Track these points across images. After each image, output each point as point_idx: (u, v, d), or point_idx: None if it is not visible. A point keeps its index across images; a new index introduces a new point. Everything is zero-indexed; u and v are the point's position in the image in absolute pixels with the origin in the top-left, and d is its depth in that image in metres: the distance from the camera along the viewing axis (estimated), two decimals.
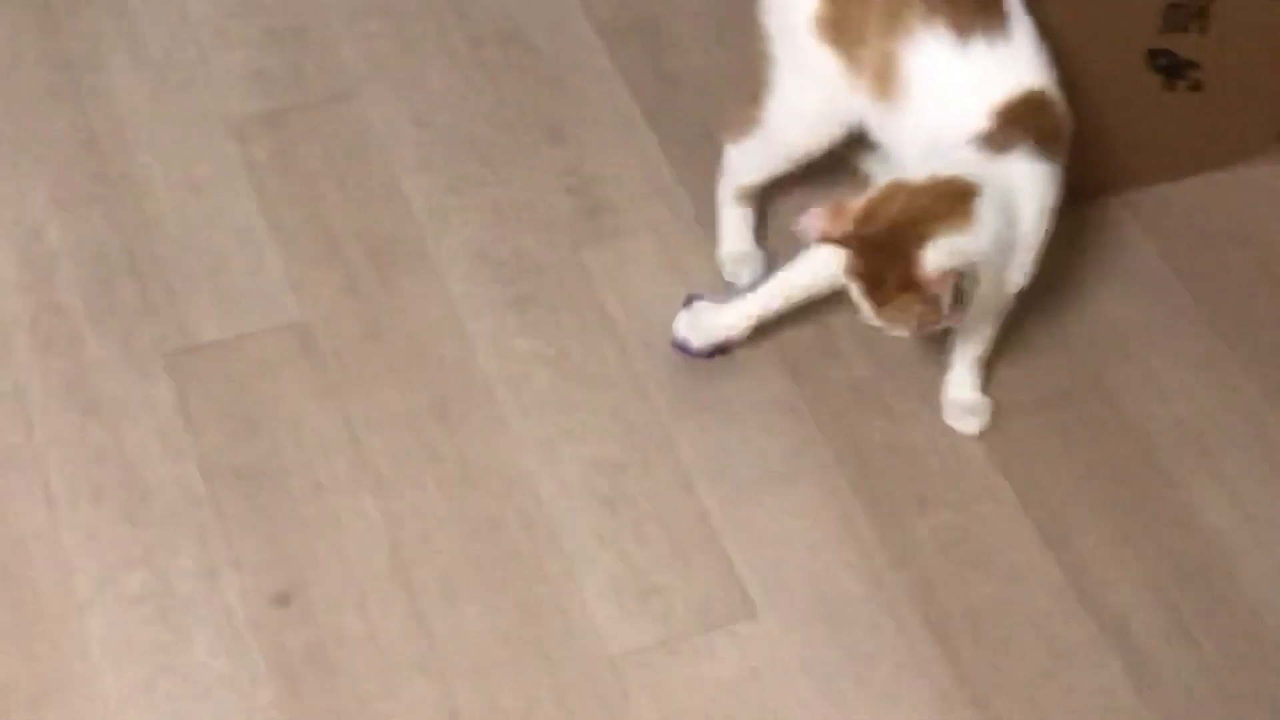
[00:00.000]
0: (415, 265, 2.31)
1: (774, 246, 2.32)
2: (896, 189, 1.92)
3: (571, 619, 2.02)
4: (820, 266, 2.07)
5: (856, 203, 1.92)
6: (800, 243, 2.01)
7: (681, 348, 2.21)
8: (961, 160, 1.95)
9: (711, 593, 2.05)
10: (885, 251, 1.90)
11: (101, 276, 2.29)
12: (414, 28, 2.57)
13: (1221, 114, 2.38)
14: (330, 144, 2.43)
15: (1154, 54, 2.29)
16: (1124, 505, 2.14)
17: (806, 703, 1.97)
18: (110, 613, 2.01)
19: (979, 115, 1.98)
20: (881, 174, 2.30)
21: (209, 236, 2.33)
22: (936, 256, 1.88)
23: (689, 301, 2.21)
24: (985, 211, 1.91)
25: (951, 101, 1.99)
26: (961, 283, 1.90)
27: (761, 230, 2.33)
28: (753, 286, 2.27)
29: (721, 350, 2.21)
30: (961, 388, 2.19)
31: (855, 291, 1.95)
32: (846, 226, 1.91)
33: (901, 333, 1.98)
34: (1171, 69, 2.31)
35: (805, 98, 2.12)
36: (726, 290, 2.26)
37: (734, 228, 2.31)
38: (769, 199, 2.34)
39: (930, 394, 2.20)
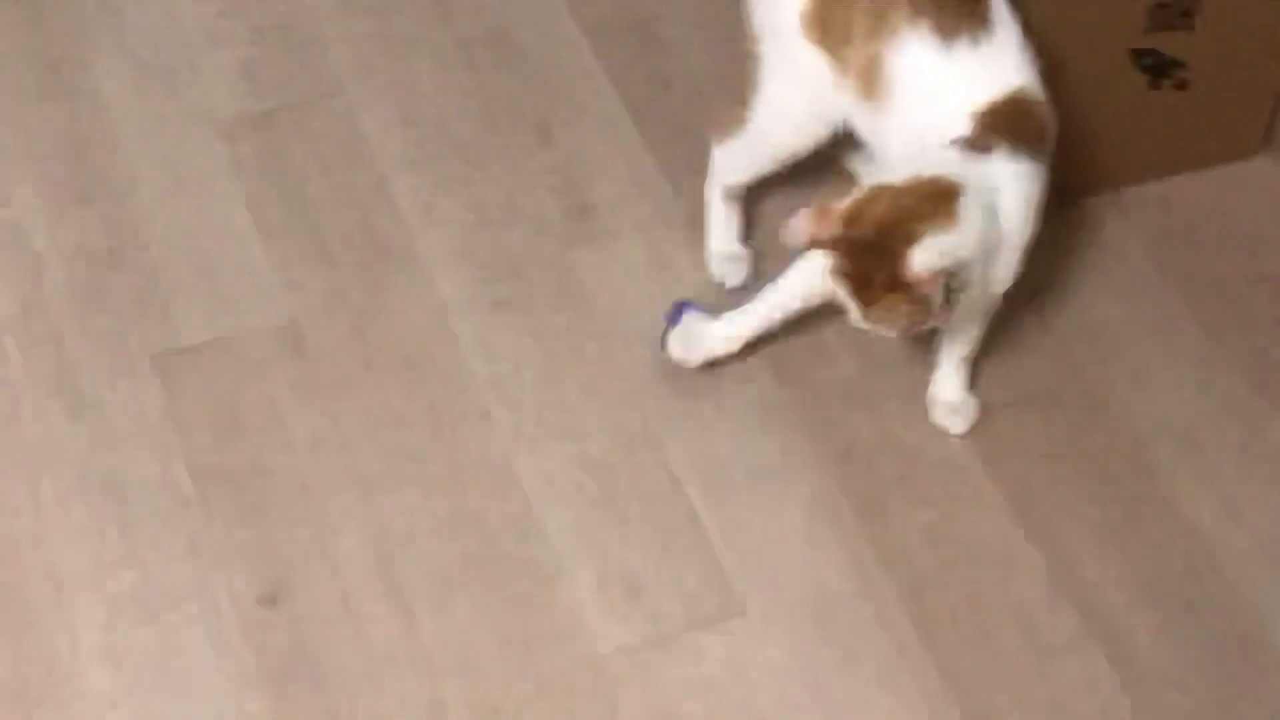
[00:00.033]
0: (403, 265, 2.32)
1: (761, 246, 2.32)
2: (880, 190, 1.92)
3: (559, 618, 2.02)
4: (809, 279, 2.07)
5: (841, 205, 1.92)
6: (787, 248, 2.01)
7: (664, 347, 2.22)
8: (944, 161, 1.96)
9: (699, 591, 2.05)
10: (872, 252, 1.91)
11: (89, 277, 2.29)
12: (402, 28, 2.57)
13: (1207, 113, 2.38)
14: (318, 144, 2.43)
15: (1140, 53, 2.30)
16: (1110, 503, 2.14)
17: (794, 700, 1.98)
18: (99, 613, 2.01)
19: (963, 116, 1.98)
20: (868, 174, 2.31)
21: (197, 237, 2.33)
22: (925, 256, 1.89)
23: (676, 314, 2.20)
24: (970, 211, 1.92)
25: (935, 102, 2.00)
26: (951, 282, 1.90)
27: (749, 230, 2.33)
28: (741, 287, 2.28)
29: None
30: (948, 387, 2.19)
31: (843, 293, 1.96)
32: (833, 229, 1.91)
33: (889, 333, 1.99)
34: (1157, 68, 2.31)
35: (792, 97, 2.12)
36: (731, 291, 2.26)
37: (721, 227, 2.31)
38: (756, 199, 2.34)
39: (917, 393, 2.21)
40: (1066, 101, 2.12)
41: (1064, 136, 2.08)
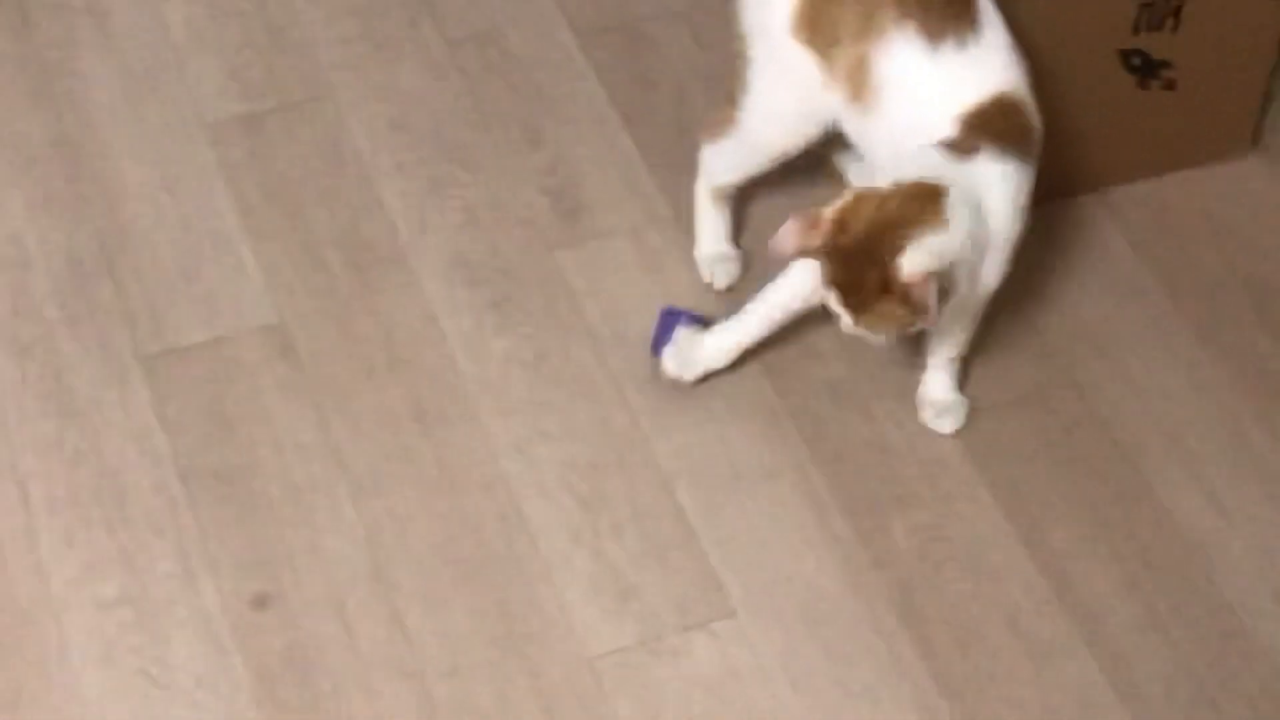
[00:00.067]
0: (392, 267, 2.31)
1: (751, 246, 2.32)
2: (865, 196, 1.92)
3: (550, 620, 2.02)
4: (796, 288, 2.07)
5: (827, 213, 1.92)
6: (774, 255, 2.00)
7: (655, 352, 2.22)
8: (929, 163, 1.96)
9: (689, 592, 2.05)
10: (862, 258, 1.91)
11: (78, 280, 2.28)
12: (390, 30, 2.57)
13: (1195, 113, 2.39)
14: (307, 146, 2.43)
15: (1127, 54, 2.30)
16: (1100, 503, 2.14)
17: (784, 702, 1.98)
18: (88, 616, 2.01)
19: (948, 118, 1.99)
20: (857, 173, 2.31)
21: (185, 240, 2.33)
22: (916, 258, 1.89)
23: (665, 323, 2.20)
24: (956, 211, 1.92)
25: (922, 104, 2.00)
26: (942, 282, 1.90)
27: (738, 230, 2.33)
28: (731, 288, 2.28)
29: None
30: (937, 387, 2.19)
31: (834, 301, 1.96)
32: (820, 237, 1.92)
33: (880, 339, 1.99)
34: (1145, 69, 2.32)
35: (781, 98, 2.12)
36: (720, 292, 2.27)
37: (711, 228, 2.31)
38: (746, 200, 2.34)
39: (907, 393, 2.21)
40: (1055, 102, 2.13)
41: (1053, 137, 2.08)
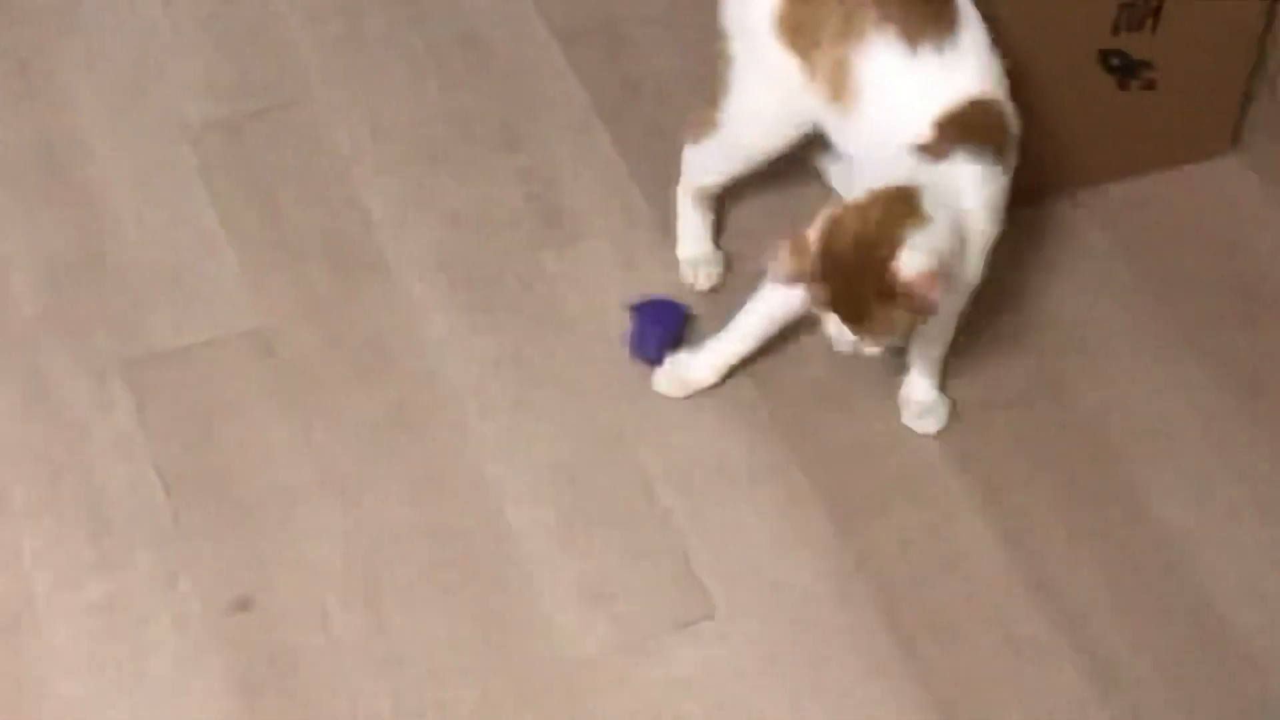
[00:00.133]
0: (373, 270, 2.31)
1: (732, 248, 2.32)
2: (844, 211, 1.92)
3: (533, 622, 2.02)
4: (784, 295, 2.07)
5: (813, 233, 1.92)
6: (775, 282, 1.99)
7: (640, 354, 2.22)
8: (902, 167, 1.96)
9: (672, 594, 2.05)
10: (858, 269, 1.90)
11: (58, 284, 2.28)
12: (371, 33, 2.57)
13: (1175, 113, 2.39)
14: (287, 149, 2.43)
15: (1107, 54, 2.30)
16: (1082, 502, 2.15)
17: (767, 703, 1.98)
18: (70, 621, 2.01)
19: (924, 122, 1.99)
20: (837, 175, 2.32)
21: (166, 243, 2.33)
22: (912, 258, 1.88)
23: (643, 320, 2.20)
24: (934, 209, 1.92)
25: (899, 107, 2.00)
26: (944, 273, 1.90)
27: (720, 232, 2.33)
28: (712, 290, 2.28)
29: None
30: (919, 388, 2.20)
31: (832, 322, 1.95)
32: (811, 257, 1.90)
33: (875, 349, 1.98)
34: (1125, 69, 2.32)
35: (763, 99, 2.13)
36: (702, 294, 2.27)
37: (692, 230, 2.31)
38: (727, 201, 2.34)
39: (889, 394, 2.21)
40: (1035, 103, 2.13)
41: (1033, 137, 2.08)
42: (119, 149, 2.42)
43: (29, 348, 2.22)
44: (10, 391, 2.18)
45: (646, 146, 2.43)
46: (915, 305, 1.89)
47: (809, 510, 2.12)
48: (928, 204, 1.92)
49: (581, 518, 2.11)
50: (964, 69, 2.01)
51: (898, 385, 2.21)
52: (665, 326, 2.22)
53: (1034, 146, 2.10)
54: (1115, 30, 2.28)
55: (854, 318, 1.93)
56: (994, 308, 2.25)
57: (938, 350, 2.18)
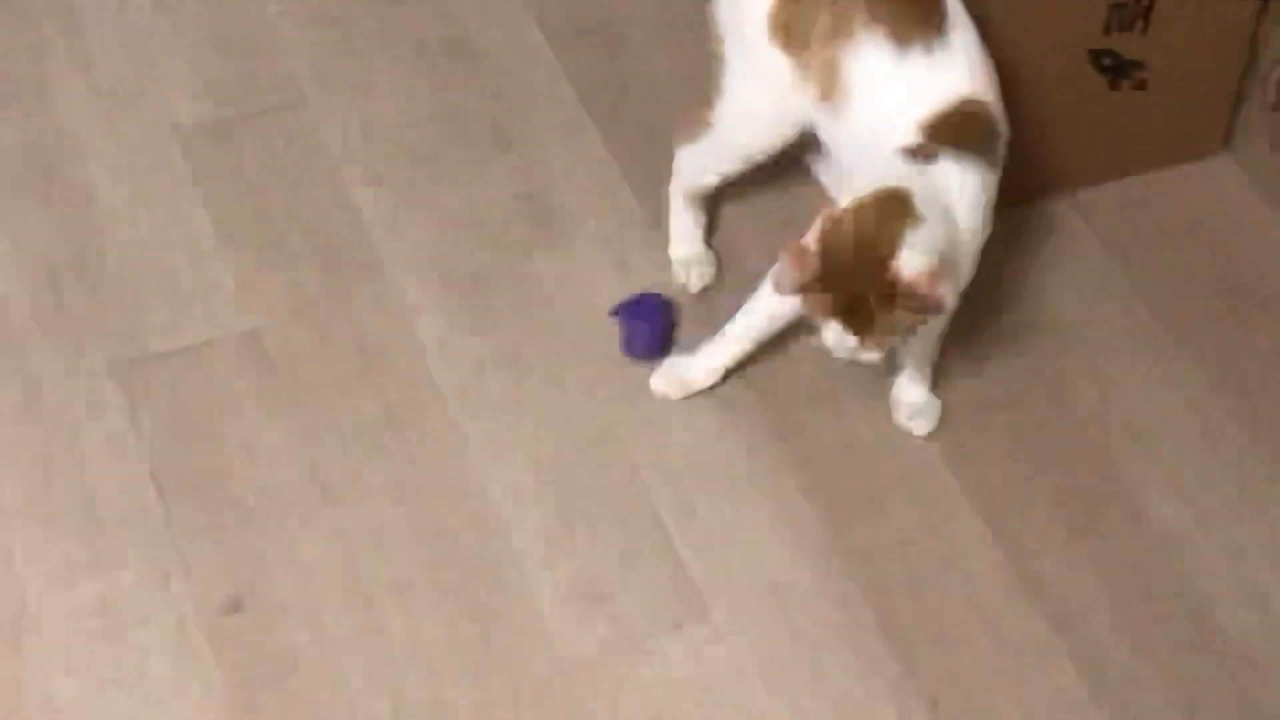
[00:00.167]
0: (365, 272, 2.31)
1: (723, 249, 2.32)
2: (838, 216, 1.92)
3: (525, 623, 2.02)
4: (776, 302, 2.07)
5: (811, 241, 1.91)
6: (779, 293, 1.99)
7: (633, 353, 2.22)
8: (890, 169, 1.96)
9: (664, 595, 2.05)
10: (859, 273, 1.89)
11: (50, 287, 2.28)
12: (362, 35, 2.57)
13: (1167, 113, 2.39)
14: (279, 152, 2.43)
15: (1098, 54, 2.31)
16: (1074, 502, 2.15)
17: (759, 704, 1.98)
18: (62, 623, 2.00)
19: (913, 123, 1.99)
20: (828, 174, 2.32)
21: (158, 246, 2.33)
22: (912, 257, 1.88)
23: (632, 318, 2.20)
24: (927, 206, 1.92)
25: (887, 108, 2.00)
26: (945, 269, 1.89)
27: (711, 232, 2.33)
28: (704, 291, 2.28)
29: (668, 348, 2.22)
30: (911, 389, 2.20)
31: (831, 329, 1.94)
32: (813, 264, 1.90)
33: (875, 355, 1.97)
34: (1116, 69, 2.32)
35: (755, 98, 2.13)
36: (694, 295, 2.27)
37: (684, 231, 2.31)
38: (719, 202, 2.34)
39: (881, 395, 2.21)
40: (1027, 103, 2.13)
41: (1024, 137, 2.08)
42: (112, 150, 2.41)
43: (22, 350, 2.21)
44: (3, 392, 2.18)
45: (638, 147, 2.43)
46: (921, 305, 1.89)
47: (805, 511, 2.12)
48: (920, 204, 1.92)
49: (577, 518, 2.10)
50: (953, 70, 2.01)
51: (890, 387, 2.21)
52: (650, 321, 2.22)
53: (1026, 147, 2.10)
54: (1107, 30, 2.28)
55: (856, 322, 1.93)
56: (987, 308, 2.25)
57: (929, 351, 2.18)
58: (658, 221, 2.33)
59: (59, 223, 2.34)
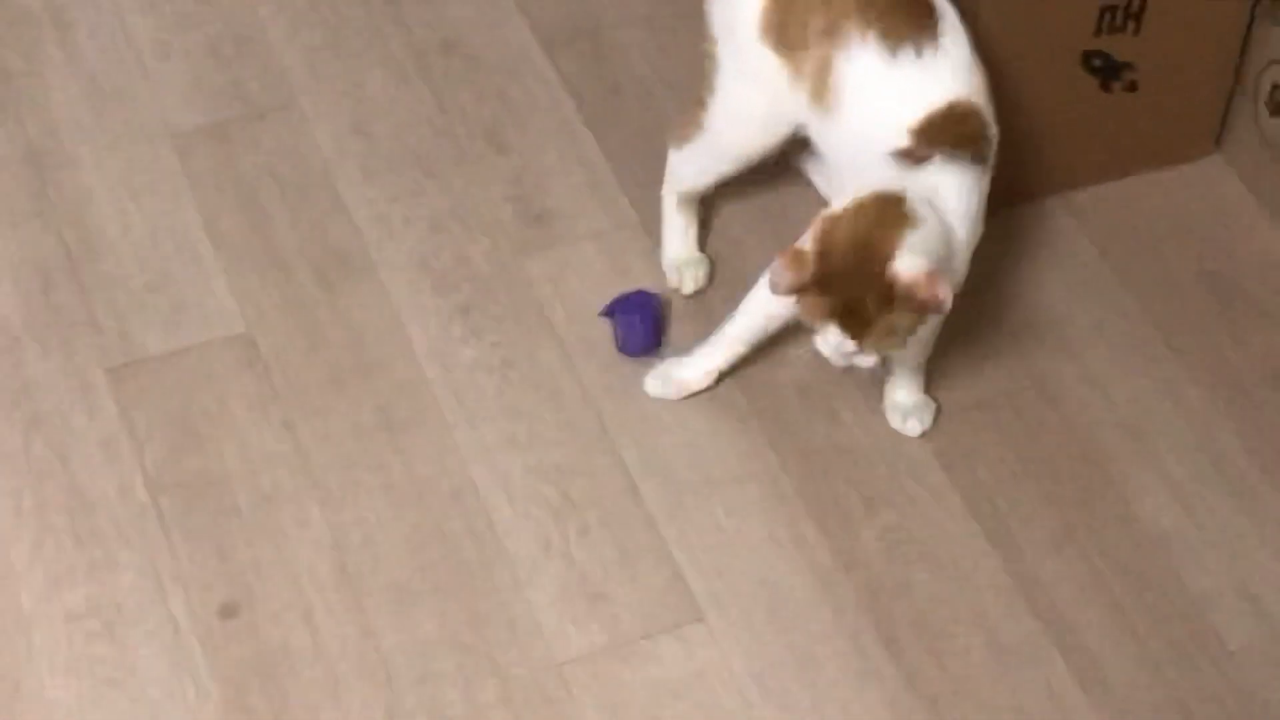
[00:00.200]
0: (358, 275, 2.31)
1: (717, 251, 2.32)
2: (835, 218, 1.92)
3: (519, 626, 2.02)
4: (770, 302, 2.07)
5: (807, 246, 1.91)
6: (775, 293, 1.99)
7: (627, 351, 2.22)
8: (882, 173, 1.96)
9: (658, 597, 2.05)
10: (857, 277, 1.89)
11: (43, 290, 2.28)
12: (354, 38, 2.57)
13: (1158, 114, 2.40)
14: (272, 155, 2.43)
15: (1089, 56, 2.31)
16: (1067, 503, 2.15)
17: (754, 706, 1.98)
18: (56, 628, 2.00)
19: (904, 125, 1.99)
20: (820, 176, 2.32)
21: (151, 249, 2.33)
22: (910, 260, 1.88)
23: (624, 314, 2.21)
24: (921, 209, 1.92)
25: (879, 111, 2.00)
26: (943, 269, 1.89)
27: (705, 235, 2.33)
28: (697, 293, 2.28)
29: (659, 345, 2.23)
30: (904, 390, 2.20)
31: (829, 334, 1.94)
32: (809, 267, 1.90)
33: (872, 360, 1.97)
34: (1107, 70, 2.33)
35: (749, 99, 2.13)
36: (687, 297, 2.27)
37: (677, 233, 2.31)
38: (712, 205, 2.34)
39: (874, 396, 2.21)
40: (1018, 105, 2.13)
41: (1017, 139, 2.09)
42: (104, 156, 2.41)
43: (14, 354, 2.21)
44: None
45: (631, 149, 2.43)
46: (923, 306, 1.88)
47: (797, 513, 2.12)
48: (913, 205, 1.92)
49: (567, 522, 2.11)
50: (944, 73, 2.01)
51: (882, 388, 2.21)
52: (640, 316, 2.22)
53: (1017, 148, 2.10)
54: (1098, 32, 2.28)
55: (854, 325, 1.92)
56: (979, 309, 2.25)
57: (921, 353, 2.18)
58: (651, 224, 2.33)
59: (52, 226, 2.34)
